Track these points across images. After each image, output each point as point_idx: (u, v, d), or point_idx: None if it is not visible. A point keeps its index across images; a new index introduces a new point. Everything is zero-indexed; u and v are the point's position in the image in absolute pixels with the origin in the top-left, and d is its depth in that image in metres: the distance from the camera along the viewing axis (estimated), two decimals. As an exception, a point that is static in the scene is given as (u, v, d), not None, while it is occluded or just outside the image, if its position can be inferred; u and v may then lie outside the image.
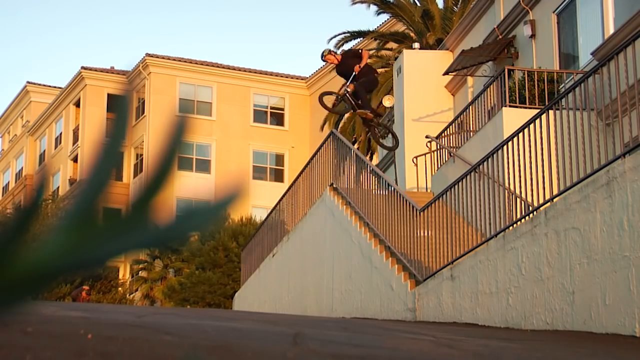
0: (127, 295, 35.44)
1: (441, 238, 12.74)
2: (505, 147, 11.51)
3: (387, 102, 26.09)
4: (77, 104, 48.92)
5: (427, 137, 19.97)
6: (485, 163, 12.00)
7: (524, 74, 17.35)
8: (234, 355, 3.47)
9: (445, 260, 12.38)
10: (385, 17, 35.92)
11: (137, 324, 4.94)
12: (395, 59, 25.77)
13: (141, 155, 44.79)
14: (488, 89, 17.79)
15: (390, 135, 15.54)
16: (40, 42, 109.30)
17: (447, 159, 19.19)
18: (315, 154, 19.06)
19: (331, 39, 31.19)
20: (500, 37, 20.96)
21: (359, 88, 16.40)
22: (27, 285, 0.75)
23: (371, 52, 31.48)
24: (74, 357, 2.91)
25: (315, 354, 4.05)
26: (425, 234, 13.22)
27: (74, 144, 48.86)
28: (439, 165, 19.61)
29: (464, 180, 12.51)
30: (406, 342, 5.91)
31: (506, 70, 17.15)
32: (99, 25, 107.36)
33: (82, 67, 47.64)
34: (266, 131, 46.51)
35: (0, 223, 0.76)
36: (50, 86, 55.44)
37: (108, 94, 47.14)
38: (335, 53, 16.66)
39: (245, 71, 47.08)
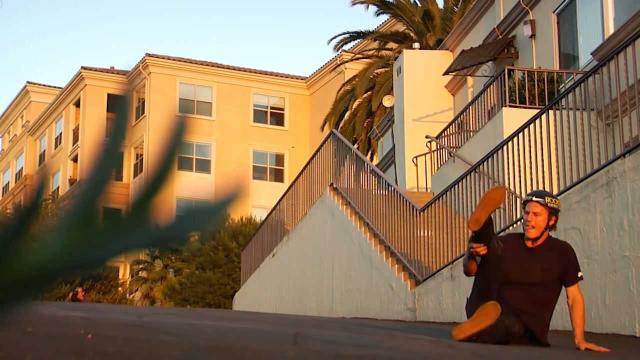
0: (127, 295, 35.43)
1: (441, 238, 12.74)
2: (505, 147, 11.51)
3: (387, 102, 26.10)
4: (77, 104, 48.91)
5: (427, 137, 19.96)
6: (485, 163, 12.00)
7: (524, 74, 17.35)
8: (234, 355, 3.47)
9: (445, 260, 12.38)
10: (385, 17, 35.92)
11: (137, 324, 4.94)
12: (395, 59, 25.76)
13: (141, 155, 44.78)
14: (488, 89, 17.79)
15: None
16: (40, 42, 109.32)
17: (447, 159, 19.19)
18: (315, 154, 19.06)
19: (331, 39, 31.16)
20: (500, 37, 20.95)
21: None
22: (27, 285, 0.75)
23: (371, 52, 31.48)
24: (74, 357, 2.91)
25: (315, 354, 4.05)
26: (425, 234, 13.23)
27: (74, 144, 48.85)
28: (439, 165, 19.60)
29: (464, 180, 12.52)
30: (406, 342, 5.91)
31: (506, 70, 17.15)
32: (99, 25, 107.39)
33: (82, 67, 47.62)
34: (266, 131, 46.50)
35: (0, 223, 0.76)
36: (50, 86, 55.42)
37: (108, 94, 47.12)
38: None
39: (245, 71, 47.06)
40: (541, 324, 6.66)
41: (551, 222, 6.69)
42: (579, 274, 6.66)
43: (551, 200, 6.66)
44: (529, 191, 10.72)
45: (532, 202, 6.62)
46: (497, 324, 6.35)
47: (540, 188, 10.46)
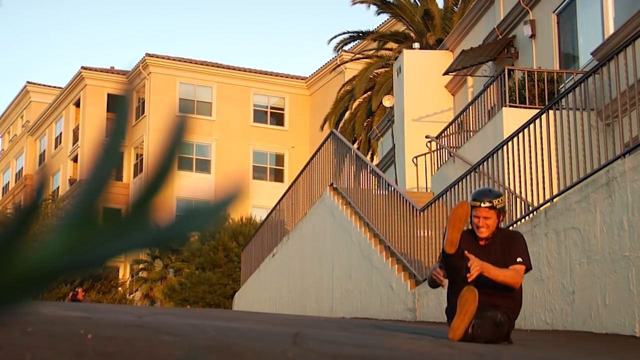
0: (127, 295, 35.42)
1: (441, 238, 12.74)
2: (505, 147, 11.51)
3: (387, 102, 26.09)
4: (77, 104, 48.90)
5: (427, 137, 19.96)
6: (485, 163, 12.00)
7: (524, 74, 17.34)
8: (234, 355, 3.47)
9: (445, 260, 12.37)
10: (385, 17, 35.92)
11: (137, 324, 4.94)
12: (395, 59, 25.76)
13: (141, 155, 44.78)
14: (488, 89, 17.78)
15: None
16: (40, 42, 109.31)
17: (447, 159, 19.19)
18: (315, 154, 19.06)
19: (331, 39, 31.16)
20: (500, 37, 20.95)
21: None
22: (27, 285, 0.75)
23: (371, 52, 31.47)
24: (74, 357, 2.91)
25: (315, 354, 4.05)
26: (425, 234, 13.23)
27: (74, 144, 48.85)
28: (439, 165, 19.60)
29: (464, 180, 12.51)
30: (406, 342, 5.91)
31: (506, 70, 17.14)
32: (99, 25, 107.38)
33: (82, 67, 47.61)
34: (266, 131, 46.50)
35: (0, 223, 0.76)
36: (50, 86, 55.41)
37: (108, 94, 47.11)
38: None
39: (245, 71, 47.05)
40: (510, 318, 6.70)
41: (501, 219, 6.77)
42: (518, 259, 6.62)
43: (498, 201, 6.70)
44: (529, 191, 10.71)
45: (480, 209, 6.62)
46: (483, 316, 6.38)
47: (540, 188, 10.46)
